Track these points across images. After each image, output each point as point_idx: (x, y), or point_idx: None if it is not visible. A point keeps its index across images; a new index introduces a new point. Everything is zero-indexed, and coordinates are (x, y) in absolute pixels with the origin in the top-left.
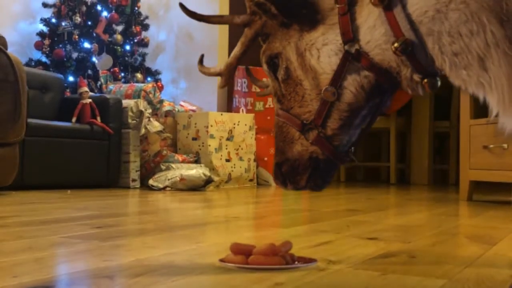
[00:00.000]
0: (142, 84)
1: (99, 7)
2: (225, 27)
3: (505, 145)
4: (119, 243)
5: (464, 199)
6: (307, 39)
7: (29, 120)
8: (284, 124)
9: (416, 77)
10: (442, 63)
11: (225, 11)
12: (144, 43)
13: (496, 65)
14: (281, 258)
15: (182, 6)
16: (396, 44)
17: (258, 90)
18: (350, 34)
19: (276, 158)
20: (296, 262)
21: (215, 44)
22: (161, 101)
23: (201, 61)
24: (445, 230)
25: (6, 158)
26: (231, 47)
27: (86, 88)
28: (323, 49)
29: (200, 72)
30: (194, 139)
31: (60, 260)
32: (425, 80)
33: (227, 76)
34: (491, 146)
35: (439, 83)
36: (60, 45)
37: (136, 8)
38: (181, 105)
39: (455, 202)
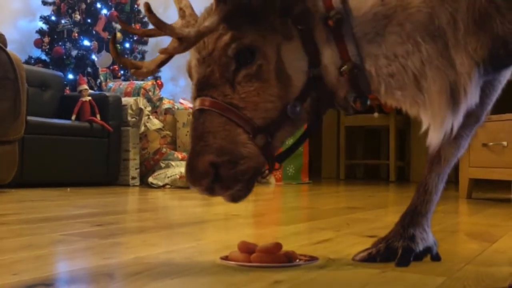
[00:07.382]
0: (142, 82)
1: (98, 5)
2: None
3: (505, 143)
4: (119, 241)
5: (463, 196)
6: (288, 46)
7: (29, 117)
8: (229, 122)
9: (350, 97)
10: (378, 85)
11: None
12: (143, 41)
13: (430, 83)
14: (283, 256)
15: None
16: (345, 67)
17: None
18: (315, 60)
19: (210, 157)
20: (298, 260)
21: None
22: (160, 99)
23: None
24: (445, 227)
25: (6, 156)
26: None
27: (85, 86)
28: (298, 63)
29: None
30: None
31: (59, 258)
32: (358, 100)
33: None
34: (491, 144)
35: (368, 102)
36: (60, 43)
37: (136, 6)
38: (181, 103)
39: (455, 200)
